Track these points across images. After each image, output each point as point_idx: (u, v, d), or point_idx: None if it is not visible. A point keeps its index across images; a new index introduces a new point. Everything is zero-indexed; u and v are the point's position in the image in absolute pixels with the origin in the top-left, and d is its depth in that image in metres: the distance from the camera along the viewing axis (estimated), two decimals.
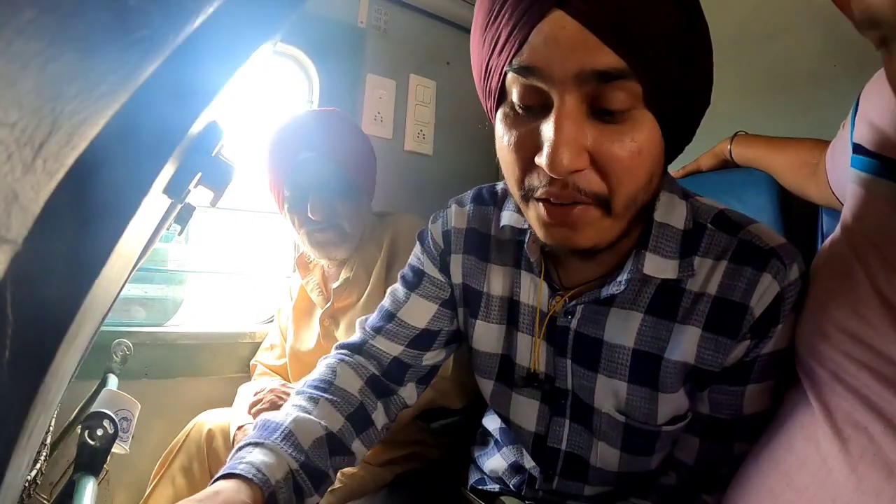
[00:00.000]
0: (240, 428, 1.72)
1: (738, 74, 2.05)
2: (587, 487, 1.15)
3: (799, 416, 0.91)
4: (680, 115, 0.82)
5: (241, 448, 0.97)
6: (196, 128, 0.78)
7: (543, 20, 0.74)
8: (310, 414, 1.06)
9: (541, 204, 0.84)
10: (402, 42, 2.49)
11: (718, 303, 0.94)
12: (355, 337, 1.26)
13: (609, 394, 1.04)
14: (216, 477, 0.89)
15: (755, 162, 1.63)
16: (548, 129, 0.77)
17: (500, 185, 1.20)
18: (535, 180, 0.83)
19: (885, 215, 0.89)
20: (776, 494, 0.86)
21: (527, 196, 0.86)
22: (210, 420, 1.87)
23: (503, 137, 0.85)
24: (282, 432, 0.99)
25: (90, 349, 1.57)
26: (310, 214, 1.74)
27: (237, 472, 0.88)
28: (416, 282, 1.23)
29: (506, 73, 0.81)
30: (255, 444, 0.96)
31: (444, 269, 1.21)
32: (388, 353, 1.21)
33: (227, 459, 0.94)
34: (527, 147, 0.81)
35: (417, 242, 1.27)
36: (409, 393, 1.23)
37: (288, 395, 1.62)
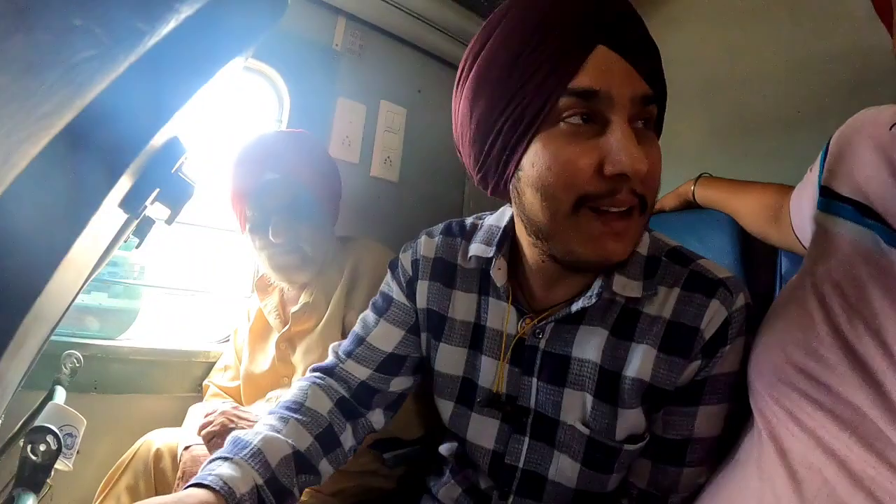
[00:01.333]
0: (187, 448, 1.69)
1: (704, 118, 2.09)
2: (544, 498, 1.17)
3: (754, 456, 0.93)
4: (658, 134, 1.00)
5: (211, 461, 1.03)
6: (156, 142, 0.77)
7: (592, 53, 0.88)
8: (279, 433, 1.12)
9: (598, 217, 0.92)
10: (376, 67, 2.49)
11: (672, 326, 1.04)
12: (328, 361, 1.33)
13: (575, 407, 1.10)
14: (186, 486, 0.97)
15: (717, 204, 1.65)
16: (616, 140, 0.88)
17: (469, 220, 1.29)
18: (595, 190, 0.91)
19: (848, 257, 0.92)
20: None
21: (578, 208, 0.92)
22: (158, 439, 1.83)
23: (557, 155, 0.92)
24: (250, 449, 1.05)
25: (38, 359, 1.54)
26: (271, 237, 1.72)
27: (206, 482, 0.96)
28: (384, 307, 1.31)
29: (555, 98, 0.89)
30: (224, 459, 1.03)
31: (411, 295, 1.28)
32: (357, 377, 1.28)
33: (199, 471, 1.01)
34: (587, 160, 0.90)
35: (388, 271, 1.33)
36: (377, 418, 1.29)
37: (240, 417, 1.59)
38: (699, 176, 1.73)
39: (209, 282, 2.57)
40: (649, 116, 0.94)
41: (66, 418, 1.32)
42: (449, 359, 1.24)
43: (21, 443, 1.18)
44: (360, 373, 1.28)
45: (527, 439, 1.15)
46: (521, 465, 1.16)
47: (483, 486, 1.25)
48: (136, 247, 1.58)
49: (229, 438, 1.09)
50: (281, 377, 1.84)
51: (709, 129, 2.05)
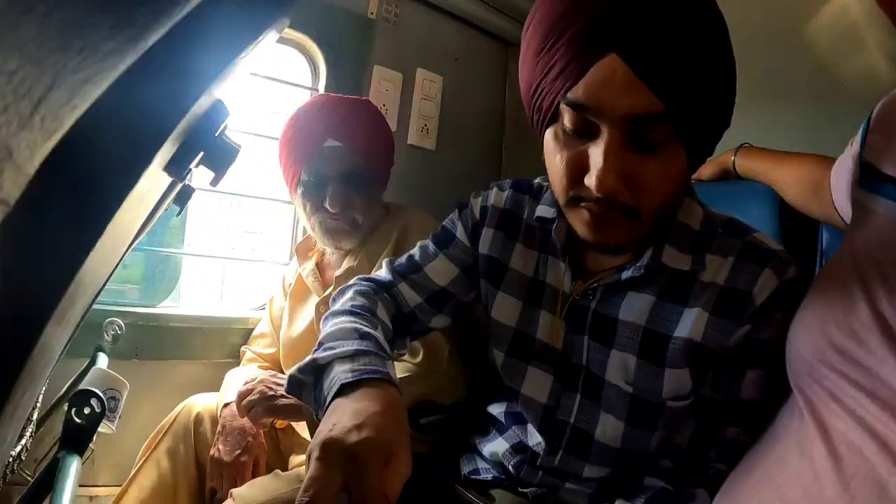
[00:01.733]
0: (226, 405, 1.73)
1: (742, 86, 2.04)
2: (587, 467, 1.19)
3: (794, 433, 0.91)
4: (706, 141, 0.99)
5: (363, 353, 0.98)
6: (200, 105, 0.76)
7: (598, 61, 0.87)
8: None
9: (585, 211, 0.98)
10: (411, 35, 2.47)
11: (725, 291, 1.06)
12: (383, 275, 1.36)
13: (620, 367, 1.12)
14: (354, 379, 0.90)
15: (758, 174, 1.62)
16: (596, 155, 0.91)
17: (537, 180, 1.32)
18: (579, 193, 0.97)
19: (889, 237, 0.89)
20: None
21: (570, 203, 1.00)
22: (198, 404, 1.85)
23: (554, 154, 0.99)
24: (389, 354, 1.05)
25: (81, 326, 1.56)
26: (327, 206, 1.73)
27: (378, 376, 0.92)
28: (446, 242, 1.34)
29: (559, 102, 0.93)
30: (383, 358, 1.00)
31: (475, 239, 1.31)
32: (409, 304, 1.32)
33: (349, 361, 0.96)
34: (575, 165, 0.95)
35: (456, 209, 1.37)
36: (408, 344, 1.35)
37: (279, 384, 1.60)
38: (740, 146, 1.69)
39: (247, 250, 2.57)
40: (662, 133, 0.91)
41: (109, 382, 1.34)
42: (506, 308, 1.27)
43: (65, 407, 1.19)
44: (412, 300, 1.32)
45: (578, 396, 1.18)
46: (571, 420, 1.18)
47: (531, 443, 1.25)
48: (177, 214, 1.60)
49: (348, 329, 1.07)
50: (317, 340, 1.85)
51: (744, 97, 2.01)
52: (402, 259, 1.37)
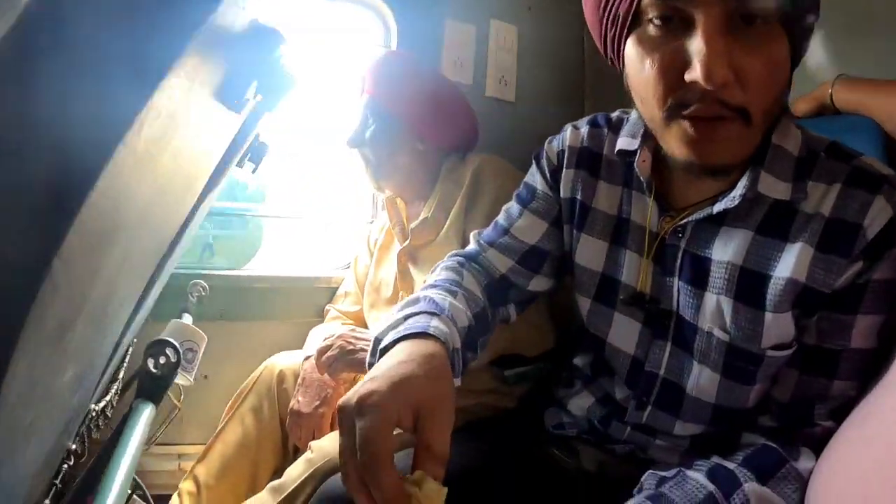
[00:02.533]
0: (307, 358, 1.74)
1: (837, 15, 1.91)
2: (678, 424, 1.12)
3: None
4: (802, 29, 0.89)
5: (416, 313, 0.97)
6: (239, 26, 0.73)
7: None
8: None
9: (687, 122, 0.88)
10: None
11: (831, 223, 0.94)
12: (470, 248, 1.31)
13: (714, 312, 1.04)
14: (391, 340, 0.90)
15: (859, 107, 1.50)
16: (696, 44, 0.82)
17: (615, 114, 1.22)
18: (681, 98, 0.87)
19: None
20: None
21: (670, 116, 0.89)
22: (281, 362, 1.87)
23: (643, 60, 0.89)
24: (448, 313, 1.00)
25: (165, 285, 1.58)
26: (369, 154, 1.77)
27: (428, 331, 0.90)
28: (528, 198, 1.27)
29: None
30: (431, 314, 0.97)
31: (555, 185, 1.24)
32: (499, 268, 1.25)
33: (395, 324, 0.96)
34: (670, 65, 0.86)
35: (533, 161, 1.29)
36: (511, 312, 1.27)
37: (358, 339, 1.58)
38: (837, 77, 1.57)
39: (330, 209, 2.57)
40: (757, 11, 0.83)
41: (187, 335, 1.34)
42: (589, 251, 1.20)
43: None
44: (503, 264, 1.25)
45: (668, 345, 1.11)
46: (661, 372, 1.12)
47: (619, 396, 1.19)
48: (252, 171, 1.59)
49: (418, 296, 1.05)
50: (399, 292, 1.83)
51: (838, 28, 1.87)
52: (488, 228, 1.31)
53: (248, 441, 1.77)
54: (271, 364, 1.88)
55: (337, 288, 2.20)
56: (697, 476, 0.95)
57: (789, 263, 0.96)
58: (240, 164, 1.50)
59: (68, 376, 0.81)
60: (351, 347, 1.55)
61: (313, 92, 2.27)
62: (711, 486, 0.92)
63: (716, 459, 1.00)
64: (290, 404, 1.70)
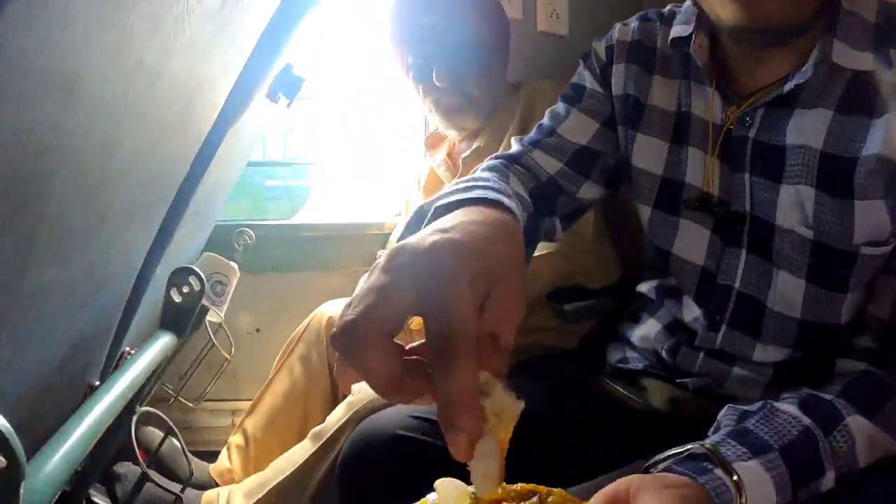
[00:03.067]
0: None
1: None
2: (758, 347, 0.98)
3: None
4: None
5: (477, 186, 0.78)
6: None
7: None
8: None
9: None
10: None
11: None
12: (512, 149, 1.15)
13: (794, 206, 0.91)
14: (466, 199, 0.69)
15: None
16: None
17: (666, 7, 1.11)
18: None
19: None
20: None
21: None
22: (330, 309, 1.82)
23: None
24: (514, 197, 0.86)
25: (210, 238, 1.53)
26: (436, 81, 1.62)
27: (490, 197, 0.69)
28: (576, 97, 1.15)
29: None
30: (497, 191, 0.77)
31: (606, 82, 1.13)
32: (546, 171, 1.10)
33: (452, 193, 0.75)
34: None
35: (580, 62, 1.19)
36: (556, 225, 1.12)
37: None
38: None
39: (379, 155, 2.50)
40: None
41: (216, 266, 1.27)
42: (648, 152, 1.08)
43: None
44: (550, 166, 1.10)
45: (743, 252, 0.97)
46: (736, 285, 0.99)
47: (688, 319, 1.07)
48: (287, 106, 1.51)
49: (470, 177, 0.90)
50: None
51: None
52: (532, 131, 1.18)
53: (297, 391, 1.74)
54: (321, 312, 1.83)
55: (389, 234, 2.12)
56: (789, 408, 0.80)
57: (877, 140, 0.85)
58: (272, 98, 1.42)
59: (48, 277, 0.73)
60: None
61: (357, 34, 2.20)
62: (807, 420, 0.78)
63: (808, 391, 0.85)
64: None
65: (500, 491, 0.54)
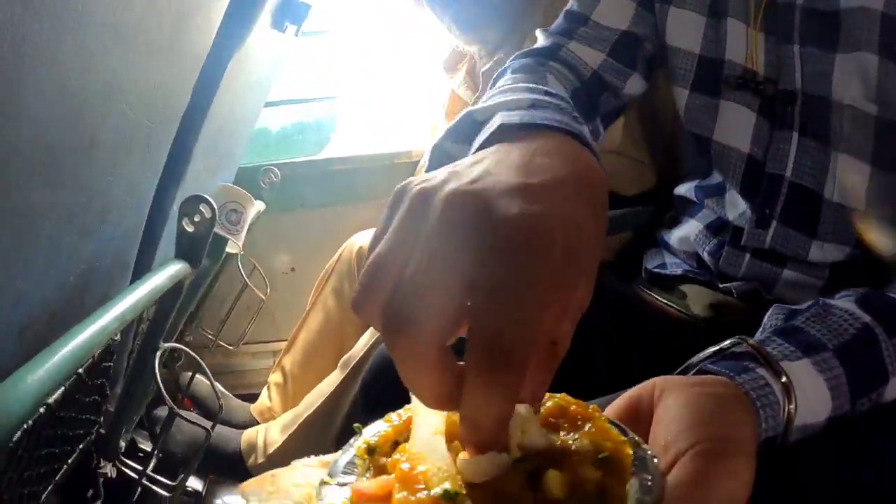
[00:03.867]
0: None
1: None
2: (814, 246, 0.87)
3: None
4: None
5: (543, 103, 0.65)
6: None
7: None
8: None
9: None
10: None
11: None
12: (541, 43, 1.03)
13: (853, 78, 0.80)
14: (523, 122, 0.55)
15: None
16: None
17: None
18: None
19: None
20: None
21: None
22: (360, 240, 1.79)
23: None
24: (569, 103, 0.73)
25: (235, 180, 1.51)
26: None
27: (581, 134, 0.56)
28: None
29: None
30: (564, 111, 0.64)
31: None
32: (589, 64, 0.99)
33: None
34: None
35: None
36: (599, 128, 1.01)
37: None
38: None
39: (401, 83, 2.45)
40: None
41: (230, 195, 1.24)
42: (682, 28, 0.97)
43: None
44: (592, 58, 0.99)
45: (795, 136, 0.86)
46: (787, 174, 0.87)
47: (732, 216, 0.97)
48: (295, 34, 1.46)
49: (513, 87, 0.75)
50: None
51: None
52: (558, 20, 1.05)
53: (331, 325, 1.72)
54: (350, 244, 1.81)
55: (418, 162, 2.08)
56: (846, 305, 0.68)
57: None
58: (278, 27, 1.38)
59: (36, 198, 0.71)
60: None
61: None
62: (867, 317, 0.65)
63: (869, 289, 0.73)
64: None
65: None
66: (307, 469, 0.50)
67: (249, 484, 0.48)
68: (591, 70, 0.99)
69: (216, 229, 1.05)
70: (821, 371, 0.60)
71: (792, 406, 0.57)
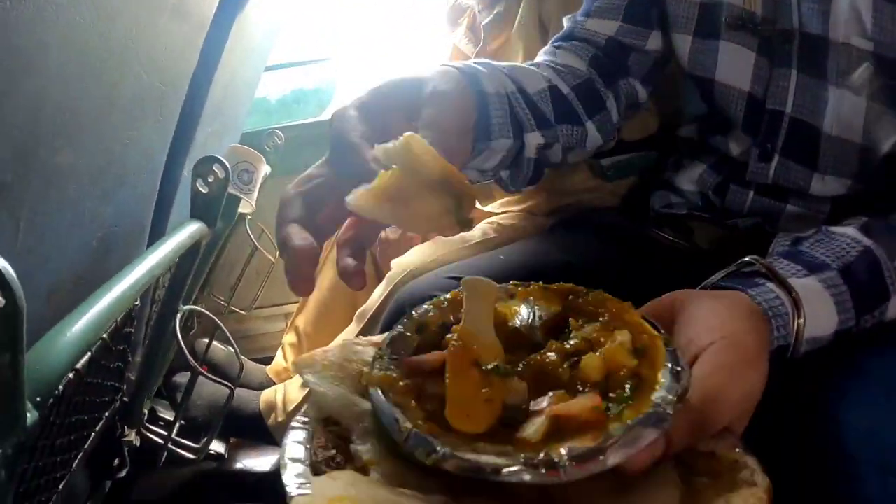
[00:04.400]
0: None
1: None
2: (815, 179, 0.91)
3: None
4: None
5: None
6: None
7: None
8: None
9: None
10: None
11: None
12: (564, 29, 1.08)
13: (849, 16, 0.82)
14: None
15: None
16: None
17: None
18: None
19: None
20: None
21: None
22: None
23: None
24: (496, 65, 0.84)
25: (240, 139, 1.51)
26: None
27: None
28: None
29: None
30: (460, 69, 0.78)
31: None
32: (603, 34, 1.02)
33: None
34: None
35: None
36: (637, 88, 1.04)
37: None
38: None
39: (401, 40, 2.43)
40: None
41: (241, 156, 1.25)
42: None
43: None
44: (606, 28, 1.02)
45: (793, 73, 0.89)
46: (787, 110, 0.90)
47: (736, 153, 1.00)
48: None
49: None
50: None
51: None
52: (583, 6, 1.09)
53: (342, 283, 1.68)
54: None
55: None
56: (847, 230, 0.73)
57: None
58: None
59: (61, 159, 0.73)
60: None
61: None
62: (868, 241, 0.70)
63: (869, 216, 0.78)
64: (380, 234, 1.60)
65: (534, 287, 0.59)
66: (357, 347, 0.56)
67: (303, 359, 0.52)
68: (607, 37, 1.01)
69: (230, 189, 1.07)
70: (826, 287, 0.65)
71: (801, 319, 0.62)
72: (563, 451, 0.41)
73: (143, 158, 1.03)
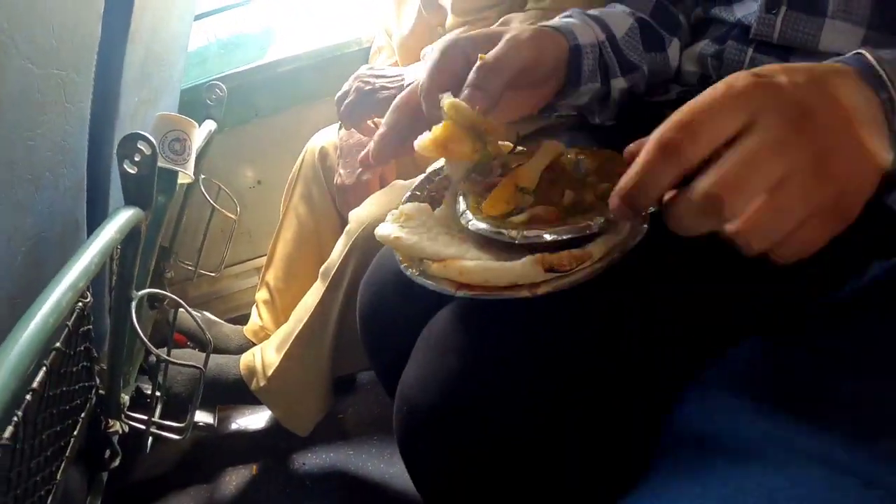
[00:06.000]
0: (341, 127, 1.57)
1: None
2: (826, 29, 0.82)
3: None
4: None
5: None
6: None
7: None
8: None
9: None
10: None
11: None
12: None
13: None
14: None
15: None
16: None
17: None
18: None
19: None
20: None
21: None
22: (321, 140, 1.71)
23: None
24: (589, 14, 0.91)
25: (180, 105, 1.41)
26: None
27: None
28: None
29: None
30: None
31: None
32: None
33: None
34: None
35: None
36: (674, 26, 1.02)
37: (377, 77, 1.31)
38: None
39: None
40: None
41: (168, 125, 1.15)
42: None
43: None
44: None
45: None
46: None
47: (740, 14, 0.91)
48: None
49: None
50: (433, 28, 1.56)
51: None
52: None
53: (306, 232, 1.68)
54: (311, 146, 1.73)
55: (369, 48, 1.95)
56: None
57: None
58: None
59: None
60: (370, 87, 1.31)
61: None
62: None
63: None
64: (335, 180, 1.56)
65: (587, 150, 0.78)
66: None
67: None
68: None
69: (161, 164, 0.99)
70: None
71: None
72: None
73: (58, 153, 0.94)
